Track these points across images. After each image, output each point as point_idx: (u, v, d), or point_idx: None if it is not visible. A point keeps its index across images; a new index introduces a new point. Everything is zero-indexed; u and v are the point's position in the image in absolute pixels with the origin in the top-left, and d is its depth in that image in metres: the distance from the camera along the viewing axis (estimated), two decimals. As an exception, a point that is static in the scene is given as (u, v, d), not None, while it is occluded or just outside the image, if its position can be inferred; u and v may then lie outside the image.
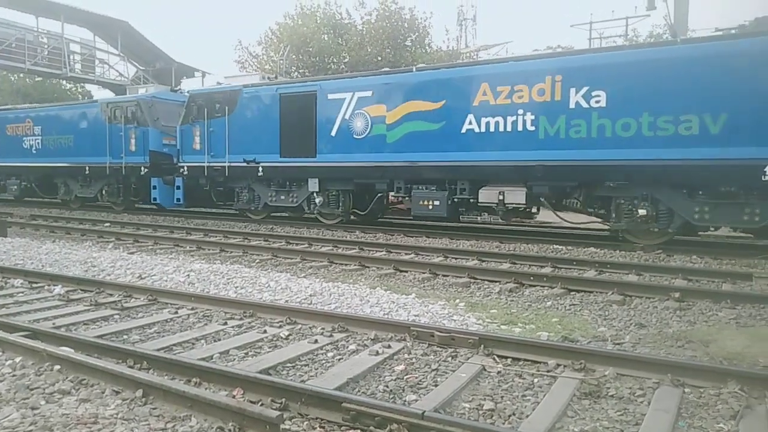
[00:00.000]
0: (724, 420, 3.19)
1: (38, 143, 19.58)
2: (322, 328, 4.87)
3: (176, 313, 5.50)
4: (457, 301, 6.26)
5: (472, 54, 30.22)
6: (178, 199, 15.76)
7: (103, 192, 18.00)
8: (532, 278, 7.10)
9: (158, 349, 4.23)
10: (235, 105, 14.27)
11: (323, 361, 4.17)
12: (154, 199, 16.23)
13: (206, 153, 14.84)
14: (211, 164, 14.80)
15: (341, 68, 27.01)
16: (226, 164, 14.48)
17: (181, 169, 15.49)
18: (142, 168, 16.47)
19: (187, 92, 15.94)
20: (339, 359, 4.20)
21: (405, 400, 3.48)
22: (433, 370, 3.97)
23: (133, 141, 16.70)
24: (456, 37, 35.13)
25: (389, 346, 4.36)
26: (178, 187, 15.65)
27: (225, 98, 14.45)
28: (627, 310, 5.78)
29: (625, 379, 3.78)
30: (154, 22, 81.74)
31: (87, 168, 17.78)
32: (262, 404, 3.17)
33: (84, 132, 18.04)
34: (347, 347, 4.45)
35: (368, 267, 8.14)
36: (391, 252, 9.57)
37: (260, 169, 13.91)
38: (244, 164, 14.16)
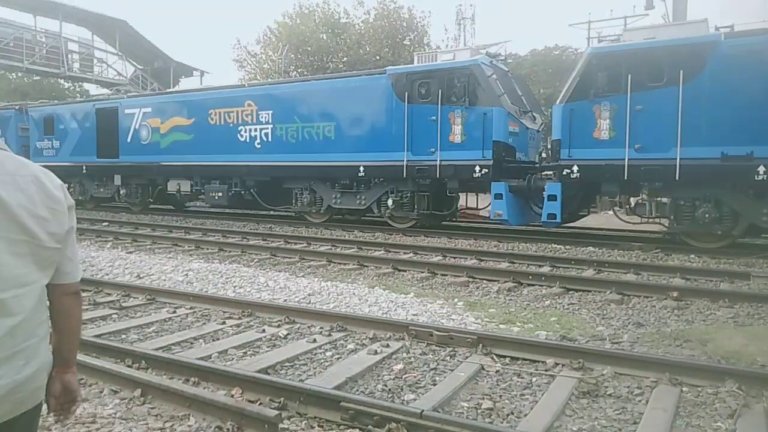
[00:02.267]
0: (722, 419, 3.19)
1: (266, 134, 14.29)
2: (321, 328, 4.87)
3: (175, 312, 5.49)
4: (456, 300, 6.27)
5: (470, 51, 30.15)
6: (552, 215, 10.63)
7: (390, 203, 12.65)
8: (530, 277, 7.10)
9: (156, 349, 4.23)
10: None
11: (322, 361, 4.17)
12: (498, 215, 11.38)
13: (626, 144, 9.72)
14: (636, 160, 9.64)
15: (340, 67, 27.01)
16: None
17: (568, 171, 10.30)
18: (478, 167, 11.35)
19: (591, 50, 10.54)
20: (337, 358, 4.20)
21: (404, 400, 3.48)
22: (432, 369, 3.97)
23: (457, 128, 11.61)
24: (454, 36, 35.14)
25: (388, 346, 4.36)
26: (553, 197, 10.59)
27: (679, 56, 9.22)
28: (625, 309, 5.78)
29: (623, 378, 3.78)
30: (152, 21, 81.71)
31: (361, 168, 12.65)
32: (260, 403, 3.17)
33: (355, 117, 12.88)
34: (346, 346, 4.45)
35: (367, 266, 8.14)
36: (390, 251, 9.57)
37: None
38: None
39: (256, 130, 14.27)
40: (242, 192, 14.88)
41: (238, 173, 14.75)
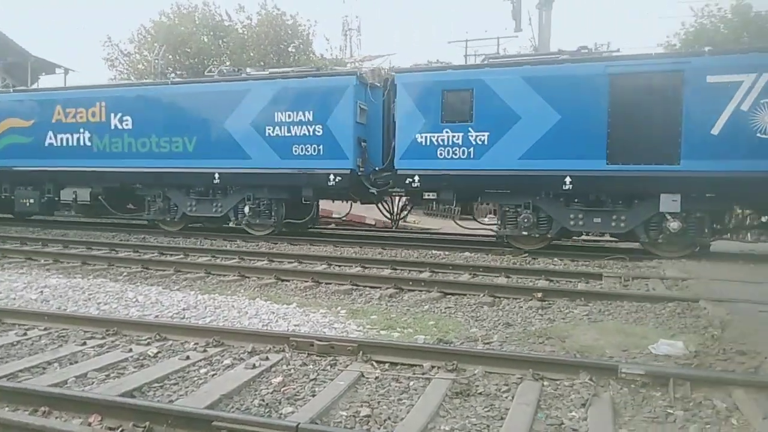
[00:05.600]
0: (576, 408, 3.50)
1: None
2: (195, 344, 4.62)
3: (25, 335, 4.91)
4: (339, 308, 6.27)
5: (357, 63, 30.66)
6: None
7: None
8: (411, 283, 7.32)
9: (-1, 378, 3.75)
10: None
11: (195, 379, 3.95)
12: None
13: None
14: None
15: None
16: None
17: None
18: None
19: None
20: (212, 375, 4.01)
21: (281, 413, 3.40)
22: (312, 380, 3.93)
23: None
24: (340, 46, 35.49)
25: (267, 359, 4.25)
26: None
27: None
28: (496, 311, 6.15)
29: (493, 377, 4.01)
30: (8, 10, 73.25)
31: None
32: (122, 430, 2.92)
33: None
34: (222, 362, 4.26)
35: (248, 277, 7.89)
36: (273, 261, 9.37)
37: None
38: None
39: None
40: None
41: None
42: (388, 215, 13.22)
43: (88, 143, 13.91)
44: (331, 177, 11.72)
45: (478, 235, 12.74)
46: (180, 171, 12.99)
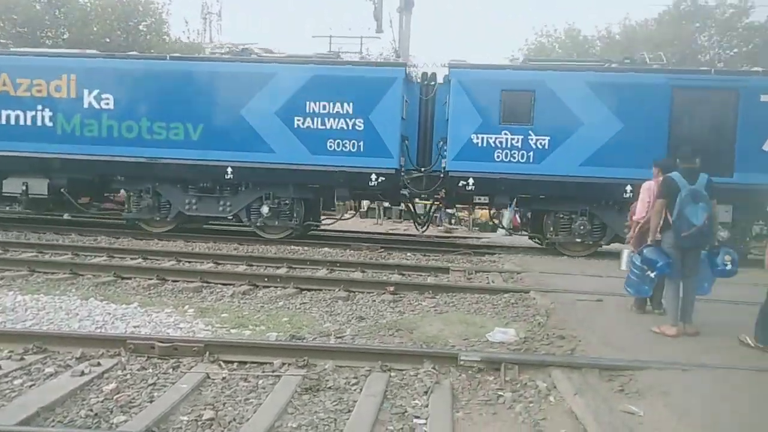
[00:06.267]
0: (419, 396, 3.68)
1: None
2: (10, 352, 4.05)
3: None
4: (187, 307, 5.93)
5: (216, 50, 29.18)
6: None
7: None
8: (266, 279, 7.16)
9: None
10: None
11: (8, 392, 3.46)
12: None
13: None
14: None
15: (59, 44, 23.22)
16: None
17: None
18: None
19: None
20: (30, 386, 3.55)
21: (112, 423, 3.12)
22: (151, 384, 3.66)
23: None
24: (199, 30, 33.51)
25: (99, 364, 3.87)
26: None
27: None
28: (350, 305, 6.26)
29: (343, 370, 4.06)
30: None
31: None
32: None
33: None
34: (43, 371, 3.79)
35: (82, 275, 7.11)
36: (114, 257, 8.58)
37: None
38: None
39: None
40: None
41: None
42: (419, 219, 12.47)
43: (49, 123, 11.22)
44: (373, 177, 10.61)
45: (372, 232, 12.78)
46: (180, 162, 10.98)
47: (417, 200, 12.61)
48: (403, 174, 10.95)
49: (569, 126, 10.21)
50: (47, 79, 11.23)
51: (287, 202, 11.23)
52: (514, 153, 10.37)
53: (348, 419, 3.27)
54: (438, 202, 12.27)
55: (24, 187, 11.43)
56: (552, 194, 10.60)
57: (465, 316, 5.85)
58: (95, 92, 11.16)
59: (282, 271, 8.02)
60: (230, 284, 6.95)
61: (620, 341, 4.76)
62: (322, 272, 8.14)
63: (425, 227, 12.52)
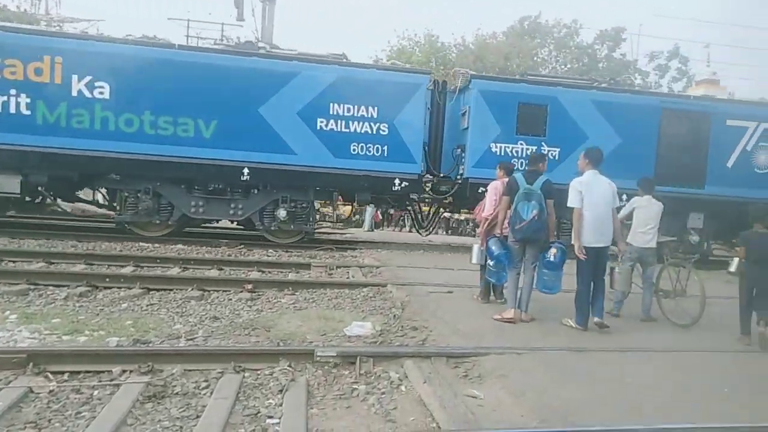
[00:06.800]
0: (273, 395, 3.60)
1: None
2: None
3: None
4: (8, 313, 5.19)
5: (53, 22, 25.97)
6: None
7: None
8: (108, 279, 6.53)
9: None
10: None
11: None
12: None
13: None
14: None
15: None
16: None
17: None
18: None
19: None
20: None
21: None
22: (-46, 405, 3.14)
23: None
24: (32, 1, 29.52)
25: None
26: None
27: None
28: (204, 305, 5.94)
29: (193, 374, 3.85)
30: None
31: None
32: None
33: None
34: None
35: None
36: None
37: None
38: None
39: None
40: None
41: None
42: (418, 223, 12.63)
43: (26, 111, 9.65)
44: (397, 181, 10.65)
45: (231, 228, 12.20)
46: (189, 161, 10.07)
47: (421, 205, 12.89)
48: (423, 179, 11.33)
49: (576, 139, 11.08)
50: (24, 60, 9.69)
51: (305, 205, 10.90)
52: None
53: (195, 426, 3.10)
54: (444, 208, 12.81)
55: None
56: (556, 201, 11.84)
57: (324, 311, 5.86)
58: (87, 79, 9.84)
59: (127, 270, 7.39)
60: (64, 286, 6.22)
61: (467, 330, 5.10)
62: (174, 270, 7.64)
63: (429, 232, 12.96)
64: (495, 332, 5.12)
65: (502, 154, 11.11)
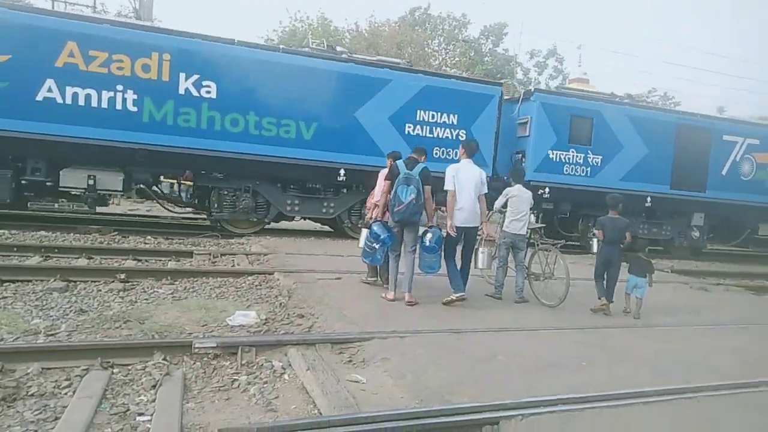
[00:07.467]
0: (146, 391, 3.39)
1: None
2: None
3: None
4: None
5: None
6: None
7: None
8: (-51, 271, 5.76)
9: None
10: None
11: None
12: None
13: None
14: None
15: None
16: None
17: None
18: None
19: None
20: None
21: None
22: None
23: None
24: None
25: None
26: None
27: None
28: (69, 297, 5.43)
29: (52, 373, 3.52)
30: None
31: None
32: None
33: None
34: None
35: None
36: None
37: None
38: None
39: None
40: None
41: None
42: None
43: (133, 108, 9.52)
44: None
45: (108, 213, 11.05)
46: (291, 162, 10.47)
47: None
48: None
49: (615, 148, 12.97)
50: (132, 56, 9.48)
51: None
52: (577, 168, 12.83)
53: (53, 429, 2.84)
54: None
55: (92, 182, 9.64)
56: (595, 202, 12.18)
57: (206, 301, 5.61)
58: (195, 78, 9.87)
59: (-24, 260, 6.56)
60: None
61: (353, 315, 5.15)
62: (34, 260, 6.91)
63: None
64: (380, 316, 5.22)
65: (557, 160, 12.65)
